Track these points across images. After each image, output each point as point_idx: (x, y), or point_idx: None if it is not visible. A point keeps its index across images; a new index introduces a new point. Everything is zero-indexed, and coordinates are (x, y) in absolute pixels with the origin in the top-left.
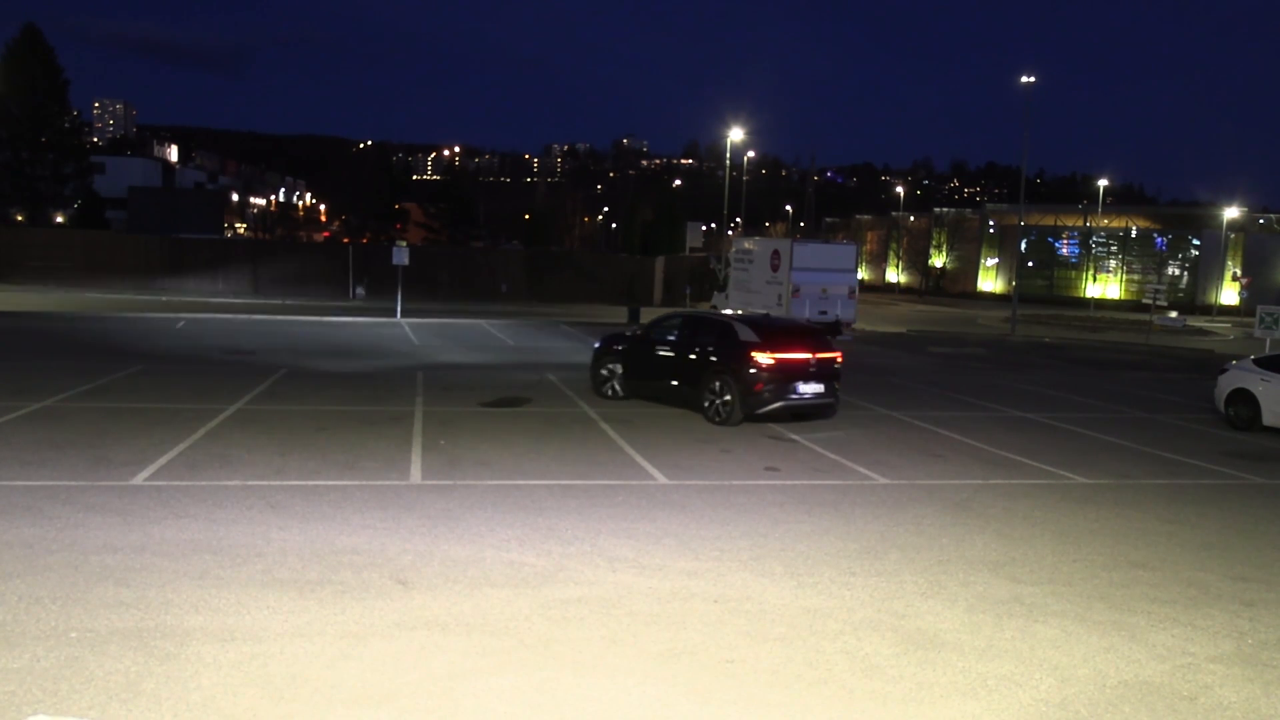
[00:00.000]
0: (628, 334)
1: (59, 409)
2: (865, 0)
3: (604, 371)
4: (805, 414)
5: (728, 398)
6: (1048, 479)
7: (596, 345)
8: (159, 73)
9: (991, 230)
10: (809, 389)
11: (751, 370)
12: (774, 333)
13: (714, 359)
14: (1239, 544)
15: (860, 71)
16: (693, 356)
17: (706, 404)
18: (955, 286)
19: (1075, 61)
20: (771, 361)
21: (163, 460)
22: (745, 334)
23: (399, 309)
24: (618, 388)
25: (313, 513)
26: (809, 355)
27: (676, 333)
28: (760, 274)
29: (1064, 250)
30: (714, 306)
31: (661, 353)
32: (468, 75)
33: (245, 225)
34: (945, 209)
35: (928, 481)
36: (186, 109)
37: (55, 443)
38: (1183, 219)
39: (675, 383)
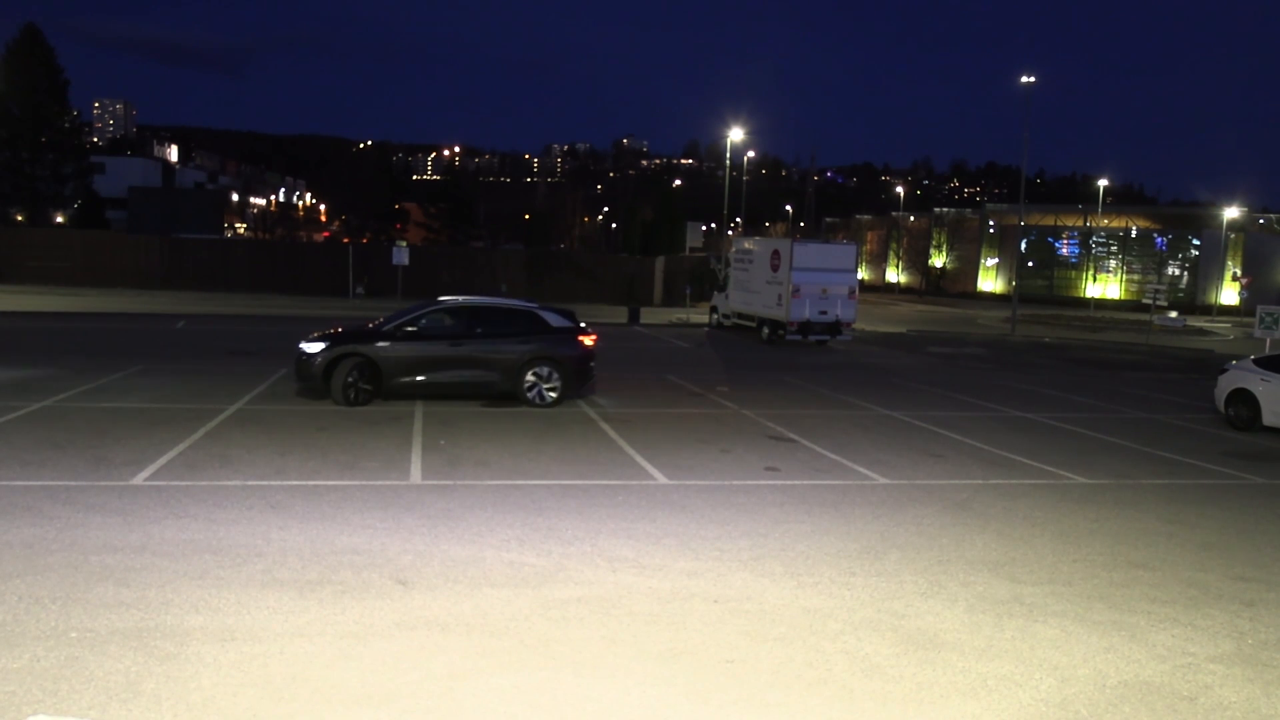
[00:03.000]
0: (365, 330)
1: (59, 409)
2: (866, 0)
3: (349, 378)
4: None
5: (556, 381)
6: (1048, 479)
7: (320, 347)
8: (159, 73)
9: (991, 230)
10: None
11: (578, 354)
12: (576, 318)
13: (533, 346)
14: (1239, 544)
15: (860, 71)
16: (501, 346)
17: (530, 390)
18: (955, 286)
19: (1076, 61)
20: (591, 344)
21: (163, 460)
22: (557, 320)
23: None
24: (365, 388)
25: (313, 513)
26: (596, 335)
27: (461, 324)
28: (760, 274)
29: (1064, 250)
30: (714, 307)
31: (445, 346)
32: (468, 75)
33: (245, 225)
34: (945, 209)
35: (928, 481)
36: (186, 109)
37: (55, 443)
38: (1183, 219)
39: (477, 372)
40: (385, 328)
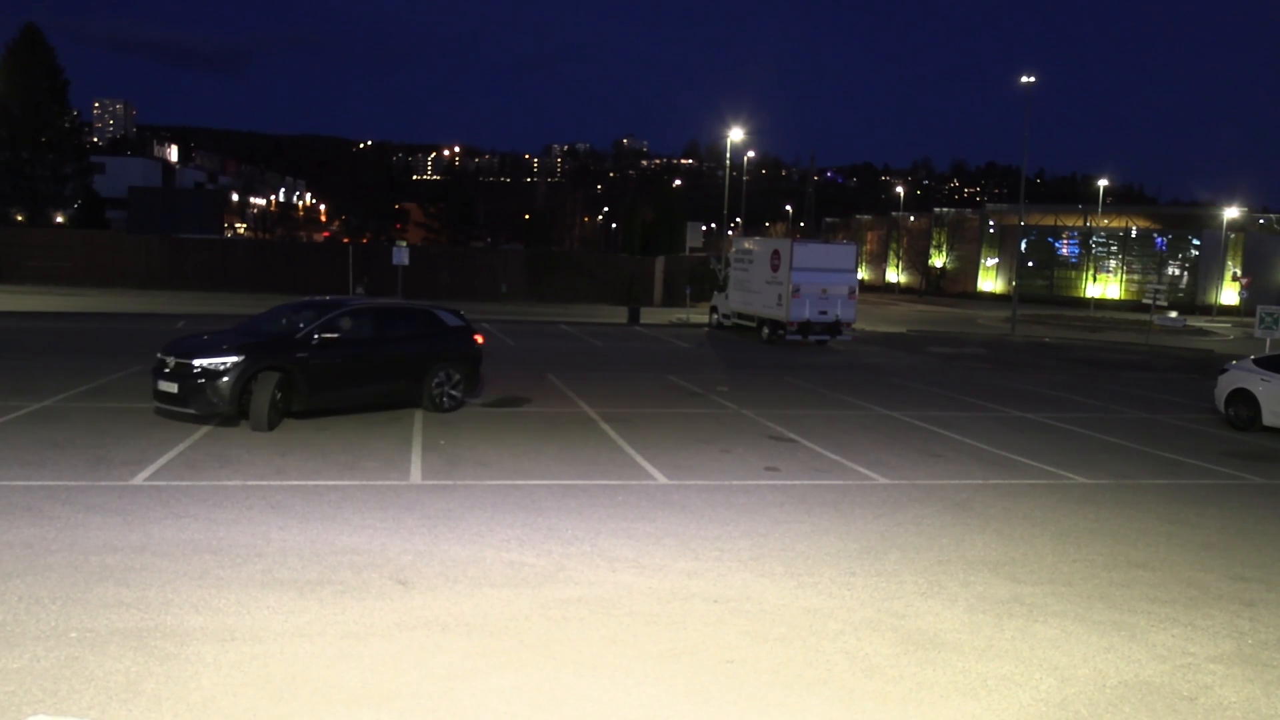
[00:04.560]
0: (277, 340)
1: (59, 409)
2: (866, 0)
3: (276, 394)
4: None
5: (458, 382)
6: (1048, 479)
7: (229, 360)
8: (159, 73)
9: (991, 230)
10: None
11: (474, 353)
12: (465, 316)
13: (437, 347)
14: (1239, 544)
15: (860, 71)
16: (411, 349)
17: (438, 395)
18: (955, 286)
19: (1075, 61)
20: (483, 341)
21: (163, 460)
22: (451, 320)
23: None
24: (275, 414)
25: (313, 513)
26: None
27: (368, 328)
28: (760, 274)
29: (1064, 250)
30: (714, 307)
31: (361, 354)
32: (468, 75)
33: (245, 225)
34: (945, 209)
35: (928, 481)
36: (186, 109)
37: (55, 443)
38: (1183, 219)
39: (392, 381)
40: (297, 335)
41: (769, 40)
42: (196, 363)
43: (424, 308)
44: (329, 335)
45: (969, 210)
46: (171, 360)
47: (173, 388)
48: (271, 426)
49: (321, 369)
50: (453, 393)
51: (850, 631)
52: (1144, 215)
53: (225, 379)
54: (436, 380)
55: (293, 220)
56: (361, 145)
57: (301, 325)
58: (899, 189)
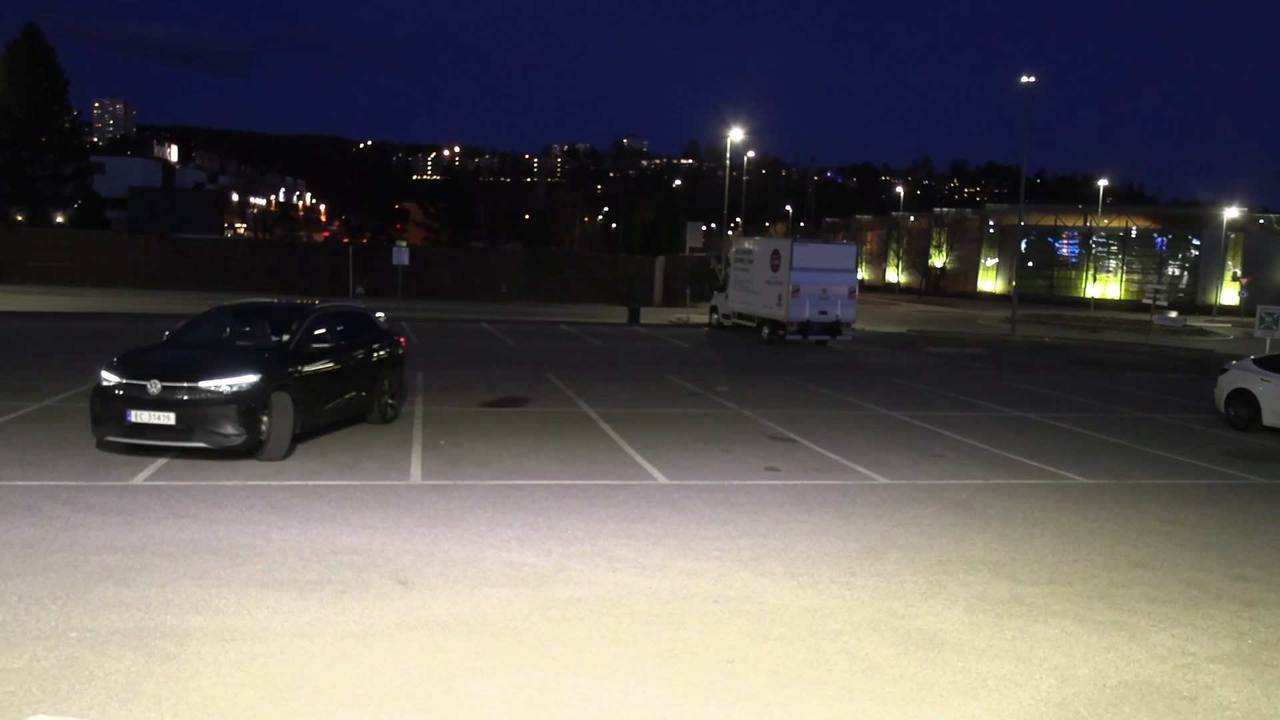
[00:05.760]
0: (266, 352)
1: (59, 409)
2: (866, 1)
3: (293, 415)
4: None
5: (394, 390)
6: (1048, 479)
7: (246, 379)
8: (159, 73)
9: (991, 230)
10: None
11: (403, 357)
12: (383, 318)
13: (383, 354)
14: (1239, 544)
15: (860, 71)
16: (366, 356)
17: (383, 404)
18: (955, 286)
19: (1075, 61)
20: (405, 344)
21: (163, 460)
22: (382, 322)
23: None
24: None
25: (313, 513)
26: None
27: (334, 333)
28: (760, 274)
29: (1064, 250)
30: (714, 307)
31: (338, 362)
32: (468, 75)
33: (245, 225)
34: (945, 209)
35: (928, 481)
36: (186, 109)
37: (55, 443)
38: (1183, 219)
39: (356, 392)
40: (290, 347)
41: (769, 40)
42: (204, 384)
43: (361, 310)
44: (319, 345)
45: (969, 210)
46: (155, 384)
47: (166, 418)
48: (268, 457)
49: (314, 384)
50: (392, 401)
51: (850, 631)
52: (1144, 215)
53: (247, 404)
54: (382, 388)
55: (293, 220)
56: (361, 145)
57: (250, 331)
58: (899, 189)
